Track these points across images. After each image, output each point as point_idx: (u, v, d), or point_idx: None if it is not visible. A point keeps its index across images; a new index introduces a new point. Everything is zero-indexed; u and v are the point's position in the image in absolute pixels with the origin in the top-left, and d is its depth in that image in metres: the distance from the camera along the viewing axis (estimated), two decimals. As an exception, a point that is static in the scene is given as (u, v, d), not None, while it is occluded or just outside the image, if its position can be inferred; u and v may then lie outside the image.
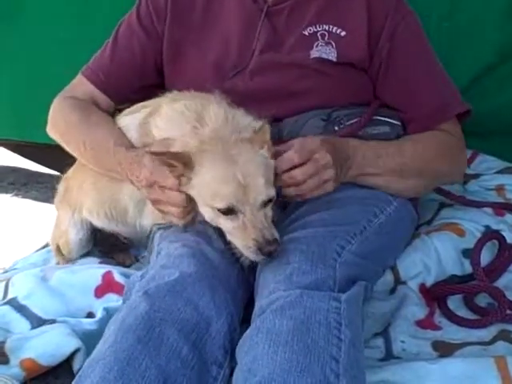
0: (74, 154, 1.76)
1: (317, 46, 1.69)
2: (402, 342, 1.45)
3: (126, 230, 1.78)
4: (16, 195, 3.03)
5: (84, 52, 2.07)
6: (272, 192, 1.36)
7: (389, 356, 1.42)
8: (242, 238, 1.33)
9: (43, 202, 2.89)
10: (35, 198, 2.99)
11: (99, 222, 1.78)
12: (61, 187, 1.89)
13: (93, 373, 1.15)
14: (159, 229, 1.60)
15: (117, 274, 1.61)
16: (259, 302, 1.31)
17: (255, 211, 1.33)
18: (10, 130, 2.92)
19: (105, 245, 1.88)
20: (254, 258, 1.33)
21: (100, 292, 1.59)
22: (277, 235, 1.33)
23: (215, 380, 1.25)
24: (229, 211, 1.33)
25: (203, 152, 1.37)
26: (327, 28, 1.70)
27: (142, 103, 1.67)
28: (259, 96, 1.65)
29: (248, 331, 1.25)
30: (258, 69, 1.68)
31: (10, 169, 3.30)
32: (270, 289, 1.30)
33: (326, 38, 1.69)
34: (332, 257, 1.36)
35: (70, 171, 1.86)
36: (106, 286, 1.59)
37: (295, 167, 1.41)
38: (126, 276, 1.60)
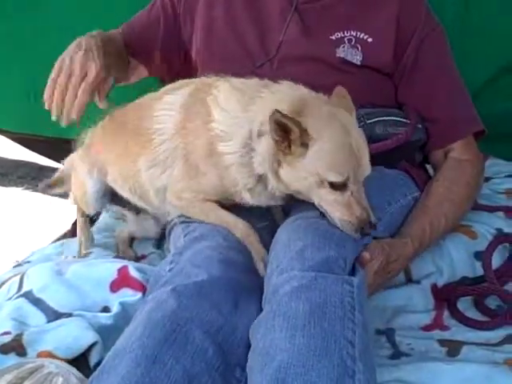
0: None
1: (343, 47, 1.73)
2: (408, 344, 1.47)
3: (149, 208, 1.76)
4: (26, 189, 3.04)
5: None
6: None
7: (398, 353, 1.44)
8: (346, 213, 1.33)
9: (52, 195, 2.90)
10: (45, 192, 2.99)
11: (124, 193, 1.76)
12: (86, 139, 1.85)
13: (120, 365, 1.16)
14: (182, 222, 1.61)
15: (132, 268, 1.60)
16: (272, 280, 1.30)
17: (360, 187, 1.33)
18: (21, 124, 2.93)
19: (120, 204, 1.87)
20: (350, 233, 1.34)
21: (116, 286, 1.58)
22: (374, 218, 1.34)
23: (239, 382, 1.25)
24: (341, 185, 1.31)
25: (314, 118, 1.31)
26: (354, 34, 1.73)
27: (182, 80, 1.63)
28: None
29: (263, 313, 1.26)
30: (284, 60, 1.71)
31: (20, 163, 3.31)
32: (283, 266, 1.30)
33: (353, 42, 1.73)
34: (343, 236, 1.35)
35: (99, 127, 1.82)
36: (122, 281, 1.59)
37: None
38: (142, 271, 1.60)
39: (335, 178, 1.30)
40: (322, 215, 1.39)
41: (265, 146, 1.37)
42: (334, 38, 1.73)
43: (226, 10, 1.82)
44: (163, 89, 1.65)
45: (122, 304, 1.53)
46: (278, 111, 1.28)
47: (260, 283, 1.40)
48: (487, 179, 2.20)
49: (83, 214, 1.90)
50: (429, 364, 1.35)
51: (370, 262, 1.40)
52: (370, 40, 1.73)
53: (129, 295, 1.57)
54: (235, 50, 1.79)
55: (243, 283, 1.36)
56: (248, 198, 1.48)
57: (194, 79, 1.64)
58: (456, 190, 1.74)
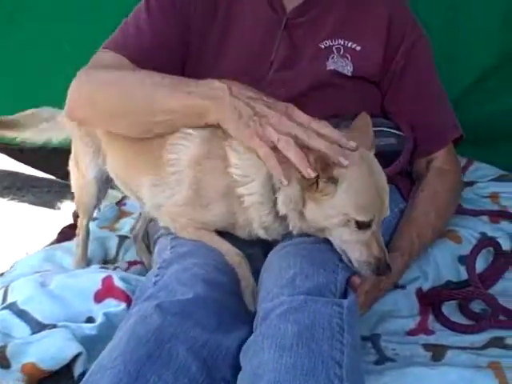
0: (111, 119, 1.58)
1: (332, 58, 1.73)
2: (393, 349, 1.48)
3: (142, 209, 1.73)
4: (12, 199, 3.03)
5: (83, 55, 2.07)
6: None
7: (383, 358, 1.45)
8: (365, 253, 1.34)
9: (39, 206, 2.89)
10: (31, 202, 2.99)
11: (119, 185, 1.74)
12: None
13: (102, 380, 1.15)
14: (169, 233, 1.59)
15: (117, 278, 1.60)
16: (262, 307, 1.31)
17: (379, 228, 1.35)
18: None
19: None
20: (365, 274, 1.36)
21: (100, 297, 1.58)
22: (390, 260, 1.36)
23: None
24: (366, 224, 1.32)
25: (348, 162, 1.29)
26: (342, 43, 1.73)
27: None
28: None
29: (252, 336, 1.26)
30: (275, 81, 1.68)
31: (6, 173, 3.29)
32: (273, 293, 1.31)
33: (342, 51, 1.73)
34: (334, 262, 1.37)
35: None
36: (106, 291, 1.59)
37: None
38: (126, 281, 1.60)
39: (364, 217, 1.31)
40: (311, 240, 1.41)
41: (290, 188, 1.35)
42: (322, 46, 1.73)
43: (215, 31, 1.75)
44: None
45: (106, 314, 1.52)
46: (321, 158, 1.28)
47: (244, 306, 1.40)
48: (472, 183, 2.22)
49: (85, 215, 1.86)
50: (413, 369, 1.35)
51: (362, 284, 1.41)
52: (358, 49, 1.73)
53: (113, 305, 1.56)
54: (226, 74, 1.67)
55: (227, 305, 1.36)
56: (262, 235, 1.47)
57: None
58: (441, 200, 1.77)
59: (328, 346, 1.18)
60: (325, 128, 1.34)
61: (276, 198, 1.39)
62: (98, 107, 1.57)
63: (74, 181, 1.85)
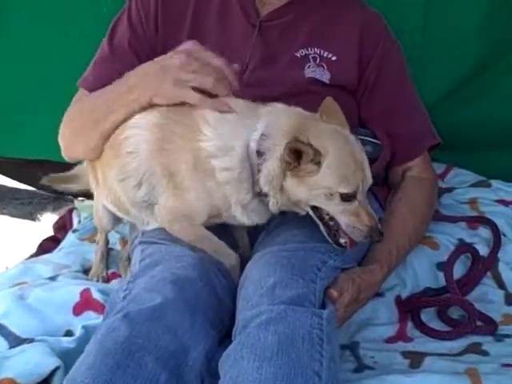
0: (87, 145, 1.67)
1: (309, 67, 1.75)
2: (372, 357, 1.48)
3: (129, 218, 1.73)
4: (-6, 211, 3.01)
5: (62, 70, 2.07)
6: None
7: (361, 366, 1.45)
8: (356, 221, 1.37)
9: (20, 218, 2.88)
10: (12, 215, 2.97)
11: (109, 206, 1.73)
12: None
13: None
14: (141, 243, 1.60)
15: (95, 291, 1.60)
16: (242, 315, 1.32)
17: (365, 197, 1.38)
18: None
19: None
20: (359, 240, 1.40)
21: (78, 309, 1.58)
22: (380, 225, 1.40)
23: None
24: (350, 196, 1.35)
25: (321, 137, 1.35)
26: (318, 52, 1.76)
27: None
28: None
29: (232, 345, 1.26)
30: (252, 83, 1.70)
31: (-14, 185, 3.27)
32: (253, 302, 1.31)
33: (318, 61, 1.75)
34: (312, 271, 1.38)
35: None
36: (84, 304, 1.58)
37: None
38: (104, 293, 1.60)
39: (347, 189, 1.35)
40: (290, 248, 1.42)
41: (272, 166, 1.38)
42: (298, 55, 1.75)
43: (187, 33, 1.77)
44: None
45: (84, 327, 1.52)
46: (297, 139, 1.32)
47: (217, 300, 1.41)
48: (451, 189, 2.24)
49: (102, 232, 1.87)
50: (390, 377, 1.35)
51: (340, 297, 1.43)
52: (334, 59, 1.75)
53: (92, 318, 1.57)
54: None
55: (199, 302, 1.36)
56: (239, 214, 1.48)
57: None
58: (419, 209, 1.78)
59: (308, 357, 1.19)
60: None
61: (254, 178, 1.41)
62: (69, 139, 1.72)
63: (95, 201, 1.82)
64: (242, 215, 1.49)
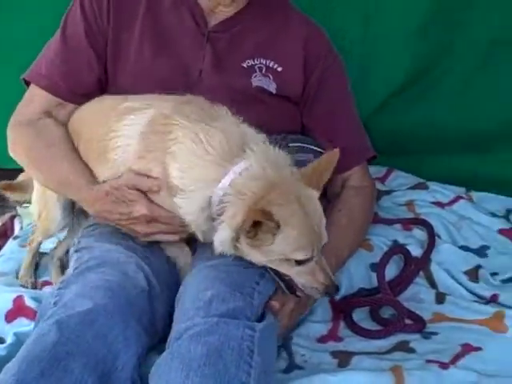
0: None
1: (255, 76, 1.78)
2: (303, 355, 1.51)
3: None
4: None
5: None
6: None
7: (292, 366, 1.48)
8: (312, 281, 1.39)
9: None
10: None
11: None
12: None
13: None
14: (76, 251, 1.60)
15: (28, 298, 1.60)
16: (177, 327, 1.34)
17: (320, 255, 1.39)
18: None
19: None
20: (317, 297, 1.48)
21: (10, 317, 1.57)
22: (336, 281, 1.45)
23: None
24: (305, 260, 1.37)
25: (280, 206, 1.33)
26: (264, 62, 1.79)
27: (140, 97, 1.60)
28: None
29: (163, 356, 1.28)
30: (204, 90, 1.70)
31: None
32: (189, 315, 1.33)
33: (264, 71, 1.78)
34: (251, 285, 1.41)
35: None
36: (17, 311, 1.58)
37: None
38: (37, 300, 1.60)
39: (302, 256, 1.36)
40: (230, 262, 1.44)
41: (226, 233, 1.38)
42: (245, 65, 1.78)
43: (136, 34, 1.78)
44: (122, 106, 1.59)
45: (16, 334, 1.52)
46: (261, 212, 1.30)
47: (152, 305, 1.43)
48: (390, 192, 2.29)
49: (45, 235, 1.84)
50: (315, 377, 1.38)
51: (282, 307, 1.46)
52: (279, 69, 1.79)
53: (24, 325, 1.56)
54: (147, 76, 1.75)
55: (132, 307, 1.37)
56: (199, 236, 1.50)
57: (151, 100, 1.58)
58: (358, 219, 1.82)
59: (235, 368, 1.22)
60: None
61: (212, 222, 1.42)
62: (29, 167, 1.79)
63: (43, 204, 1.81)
64: (198, 233, 1.50)
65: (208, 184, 1.41)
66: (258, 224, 1.32)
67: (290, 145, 1.76)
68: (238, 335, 1.27)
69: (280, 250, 1.35)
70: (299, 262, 1.37)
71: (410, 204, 2.19)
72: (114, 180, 1.53)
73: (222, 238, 1.39)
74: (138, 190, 1.50)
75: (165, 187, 1.47)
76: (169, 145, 1.45)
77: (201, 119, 1.47)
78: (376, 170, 2.41)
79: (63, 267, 1.86)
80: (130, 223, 1.52)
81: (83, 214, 1.76)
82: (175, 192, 1.45)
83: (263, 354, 1.27)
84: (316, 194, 1.42)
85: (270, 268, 1.42)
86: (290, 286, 1.43)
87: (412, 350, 1.53)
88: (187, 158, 1.43)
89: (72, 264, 1.56)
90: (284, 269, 1.40)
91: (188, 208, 1.44)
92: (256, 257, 1.39)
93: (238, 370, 1.22)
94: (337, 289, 1.44)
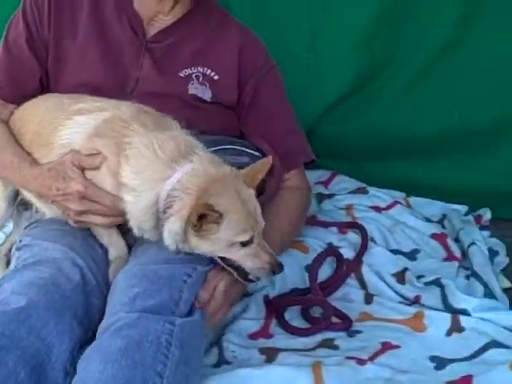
0: None
1: (192, 84, 1.84)
2: (233, 351, 1.59)
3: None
4: None
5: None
6: None
7: (221, 361, 1.56)
8: (258, 262, 1.49)
9: None
10: None
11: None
12: None
13: None
14: (17, 249, 1.66)
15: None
16: (104, 322, 1.42)
17: (261, 238, 1.50)
18: None
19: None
20: (264, 277, 1.56)
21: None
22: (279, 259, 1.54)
23: None
24: (248, 242, 1.47)
25: (221, 197, 1.45)
26: (201, 70, 1.85)
27: (92, 99, 1.66)
28: None
29: (87, 349, 1.36)
30: (141, 96, 1.76)
31: None
32: (115, 310, 1.42)
33: (201, 79, 1.85)
34: (181, 279, 1.49)
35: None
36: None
37: None
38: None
39: (244, 238, 1.47)
40: (160, 260, 1.52)
41: (176, 225, 1.46)
42: (182, 75, 1.85)
43: (77, 40, 1.84)
44: (74, 106, 1.65)
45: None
46: (205, 204, 1.41)
47: (87, 300, 1.50)
48: (331, 196, 2.39)
49: None
50: (240, 371, 1.47)
51: (213, 293, 1.53)
52: (216, 78, 1.86)
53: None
54: (87, 82, 1.80)
55: (66, 302, 1.45)
56: (134, 228, 1.55)
57: (107, 104, 1.65)
58: (292, 213, 1.90)
59: (151, 359, 1.30)
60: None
61: (158, 221, 1.50)
62: None
63: None
64: (135, 229, 1.56)
65: (157, 182, 1.49)
66: (203, 216, 1.42)
67: (227, 147, 1.84)
68: (157, 329, 1.34)
69: (226, 236, 1.46)
70: (244, 244, 1.48)
71: (349, 208, 2.29)
72: (60, 158, 1.59)
73: (171, 230, 1.47)
74: (81, 168, 1.55)
75: (105, 165, 1.54)
76: (124, 147, 1.53)
77: (155, 128, 1.56)
78: (320, 174, 2.53)
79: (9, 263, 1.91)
80: (64, 199, 1.57)
81: (24, 205, 1.82)
82: (127, 190, 1.51)
83: (183, 347, 1.34)
84: (252, 190, 1.53)
85: (220, 258, 1.51)
86: (242, 274, 1.52)
87: (336, 347, 1.63)
88: (140, 162, 1.51)
89: (13, 261, 1.63)
90: (231, 254, 1.49)
91: (138, 204, 1.51)
92: (204, 247, 1.48)
93: (154, 361, 1.29)
94: (281, 267, 1.52)
